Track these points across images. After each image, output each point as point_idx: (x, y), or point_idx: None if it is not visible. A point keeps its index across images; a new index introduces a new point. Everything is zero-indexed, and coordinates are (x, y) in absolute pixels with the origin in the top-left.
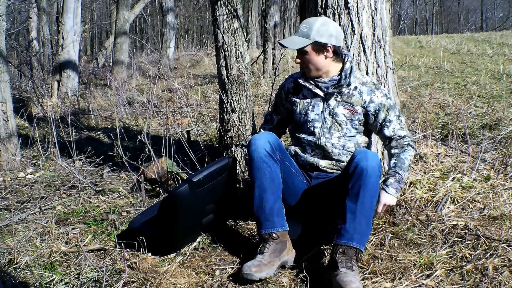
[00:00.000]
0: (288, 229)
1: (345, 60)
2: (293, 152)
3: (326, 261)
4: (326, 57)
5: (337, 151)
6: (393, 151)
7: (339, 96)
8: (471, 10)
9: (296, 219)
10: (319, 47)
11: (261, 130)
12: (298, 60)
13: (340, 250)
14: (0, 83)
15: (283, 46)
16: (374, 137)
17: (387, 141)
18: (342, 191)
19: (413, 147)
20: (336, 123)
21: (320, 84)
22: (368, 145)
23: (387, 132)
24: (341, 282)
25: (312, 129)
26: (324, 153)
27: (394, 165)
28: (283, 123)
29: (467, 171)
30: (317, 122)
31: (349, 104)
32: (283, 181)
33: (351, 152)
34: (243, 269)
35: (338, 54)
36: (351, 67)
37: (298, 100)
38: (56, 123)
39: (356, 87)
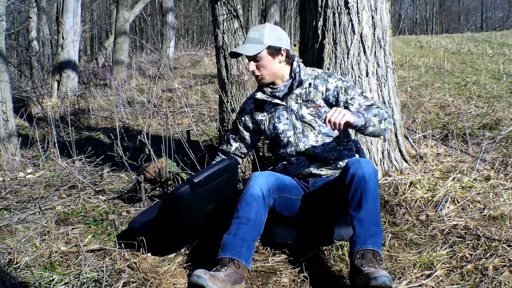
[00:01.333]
0: (250, 268)
1: (293, 61)
2: (282, 167)
3: (326, 261)
4: (280, 61)
5: (320, 151)
6: None
7: (299, 98)
8: (471, 10)
9: (290, 224)
10: (274, 51)
11: (219, 154)
12: (252, 68)
13: (358, 256)
14: (0, 83)
15: (235, 56)
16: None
17: None
18: (343, 203)
19: (382, 108)
20: (306, 125)
21: (277, 93)
22: (348, 134)
23: (353, 108)
24: (369, 273)
25: (286, 140)
26: (310, 158)
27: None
28: (245, 148)
29: (467, 171)
30: (288, 132)
31: (310, 102)
32: (284, 209)
33: (334, 147)
34: (195, 272)
35: (289, 57)
36: (299, 65)
37: (263, 118)
38: (56, 123)
39: (310, 84)
